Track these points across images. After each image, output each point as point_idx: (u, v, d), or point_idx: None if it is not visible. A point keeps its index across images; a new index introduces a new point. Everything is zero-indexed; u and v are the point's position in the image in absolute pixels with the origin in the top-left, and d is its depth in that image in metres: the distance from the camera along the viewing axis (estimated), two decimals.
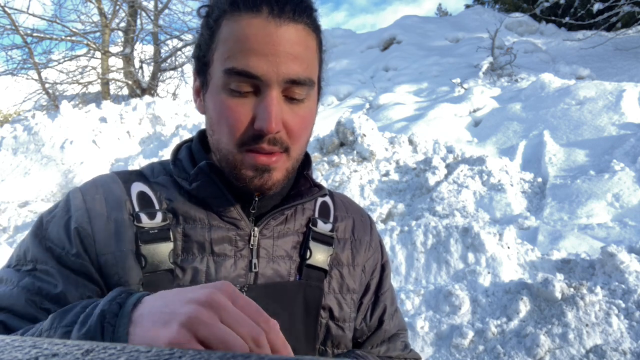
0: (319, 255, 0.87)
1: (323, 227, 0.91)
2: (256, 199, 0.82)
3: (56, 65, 13.04)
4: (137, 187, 0.82)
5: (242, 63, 0.70)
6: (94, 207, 0.78)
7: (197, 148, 0.87)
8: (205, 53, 0.77)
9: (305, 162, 0.91)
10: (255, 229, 0.82)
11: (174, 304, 0.50)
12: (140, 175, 0.86)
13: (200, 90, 0.82)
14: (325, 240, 0.89)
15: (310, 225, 0.89)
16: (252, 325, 0.49)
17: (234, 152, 0.75)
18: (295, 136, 0.76)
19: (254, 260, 0.81)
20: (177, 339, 0.46)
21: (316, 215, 0.92)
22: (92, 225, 0.77)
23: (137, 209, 0.79)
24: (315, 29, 0.78)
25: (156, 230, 0.78)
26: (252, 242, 0.82)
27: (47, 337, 0.55)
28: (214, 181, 0.79)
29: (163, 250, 0.77)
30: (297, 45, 0.73)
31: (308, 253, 0.86)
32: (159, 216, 0.79)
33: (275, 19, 0.71)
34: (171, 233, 0.78)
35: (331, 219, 0.93)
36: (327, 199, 0.97)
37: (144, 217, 0.78)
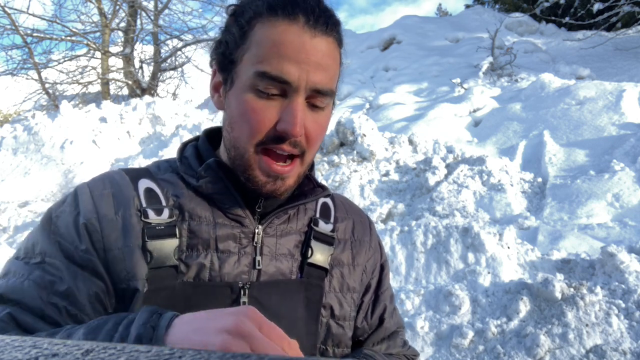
0: (320, 255, 0.88)
1: (324, 227, 0.92)
2: (262, 198, 0.84)
3: (56, 65, 13.06)
4: (144, 183, 0.83)
5: (276, 68, 0.73)
6: (102, 203, 0.79)
7: (204, 146, 0.89)
8: (232, 51, 0.78)
9: None
10: (260, 227, 0.84)
11: (206, 332, 0.51)
12: (146, 172, 0.87)
13: (221, 86, 0.83)
14: (326, 240, 0.91)
15: (312, 225, 0.90)
16: (279, 352, 0.51)
17: (251, 151, 0.77)
18: (312, 142, 0.79)
19: (258, 258, 0.82)
20: None
21: (317, 215, 0.93)
22: (100, 221, 0.77)
23: (144, 205, 0.80)
24: (340, 43, 0.82)
25: (162, 227, 0.78)
26: (256, 240, 0.83)
27: None
28: (222, 178, 0.81)
29: (169, 246, 0.78)
30: (327, 57, 0.76)
31: (309, 251, 0.87)
32: (166, 212, 0.80)
33: (310, 29, 0.74)
34: (177, 229, 0.79)
35: (332, 220, 0.95)
36: (328, 200, 0.98)
37: (151, 213, 0.79)
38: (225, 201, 0.82)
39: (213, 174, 0.81)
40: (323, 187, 0.91)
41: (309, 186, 0.90)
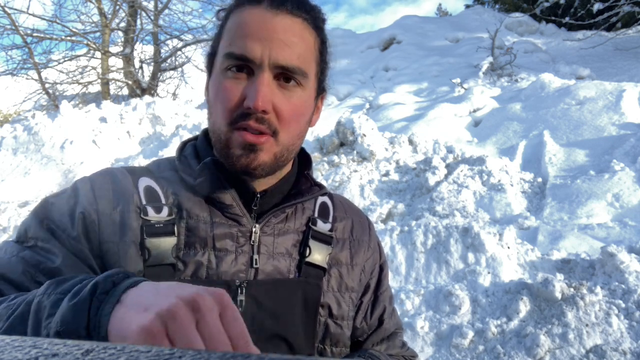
0: (318, 254, 0.88)
1: (322, 226, 0.92)
2: (258, 195, 0.84)
3: (56, 65, 13.04)
4: (144, 181, 0.84)
5: (239, 47, 0.75)
6: (102, 196, 0.80)
7: (202, 145, 0.89)
8: (214, 47, 0.83)
9: (306, 162, 0.94)
10: (257, 225, 0.83)
11: (161, 294, 0.49)
12: (146, 170, 0.88)
13: (208, 81, 0.86)
14: (325, 239, 0.90)
15: (310, 224, 0.90)
16: (223, 342, 0.47)
17: (225, 130, 0.78)
18: (284, 121, 0.78)
19: (255, 257, 0.82)
20: (148, 327, 0.45)
21: (316, 215, 0.93)
22: (99, 212, 0.78)
23: (144, 202, 0.81)
24: (316, 27, 0.82)
25: (162, 225, 0.79)
26: (253, 239, 0.83)
27: (38, 301, 0.55)
28: (218, 177, 0.81)
29: (167, 244, 0.78)
30: (291, 35, 0.77)
31: (307, 251, 0.87)
32: (165, 210, 0.81)
33: (273, 9, 0.77)
34: (175, 228, 0.80)
35: (330, 219, 0.94)
36: (327, 199, 0.98)
37: (150, 211, 0.80)
38: (223, 200, 0.82)
39: (210, 173, 0.81)
40: (320, 186, 0.91)
41: (306, 185, 0.90)
